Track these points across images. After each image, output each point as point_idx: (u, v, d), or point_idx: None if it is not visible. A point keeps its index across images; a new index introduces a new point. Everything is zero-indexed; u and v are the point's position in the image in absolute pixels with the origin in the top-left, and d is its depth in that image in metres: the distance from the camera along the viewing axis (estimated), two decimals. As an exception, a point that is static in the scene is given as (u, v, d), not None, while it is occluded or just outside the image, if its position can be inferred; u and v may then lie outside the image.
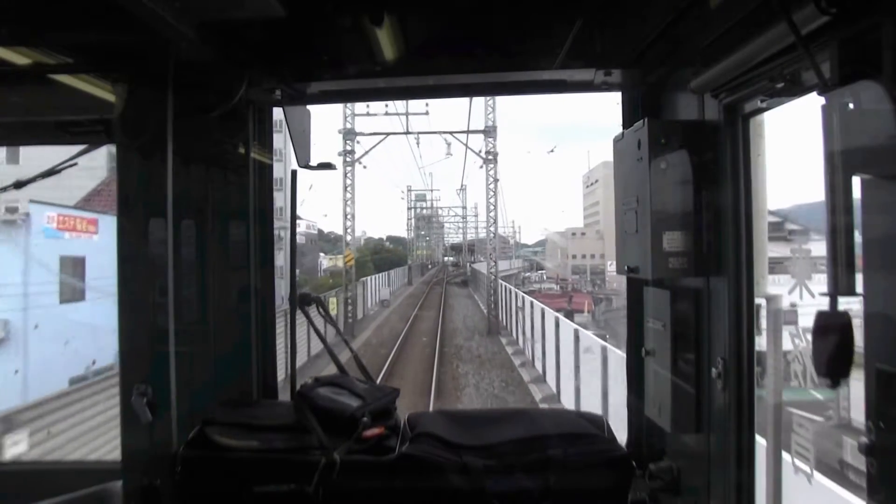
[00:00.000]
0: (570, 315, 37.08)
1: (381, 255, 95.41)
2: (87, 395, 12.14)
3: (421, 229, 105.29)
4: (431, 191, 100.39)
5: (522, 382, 21.70)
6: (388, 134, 34.25)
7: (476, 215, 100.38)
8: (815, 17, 1.77)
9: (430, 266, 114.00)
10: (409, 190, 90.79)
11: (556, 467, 2.75)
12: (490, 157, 35.44)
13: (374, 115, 33.69)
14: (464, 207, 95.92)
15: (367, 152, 34.66)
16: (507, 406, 17.52)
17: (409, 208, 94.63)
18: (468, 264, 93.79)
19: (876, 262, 1.75)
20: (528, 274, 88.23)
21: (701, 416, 2.66)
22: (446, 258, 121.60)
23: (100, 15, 2.32)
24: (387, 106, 31.76)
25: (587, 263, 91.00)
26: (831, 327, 1.73)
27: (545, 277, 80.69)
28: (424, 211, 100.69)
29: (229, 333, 3.43)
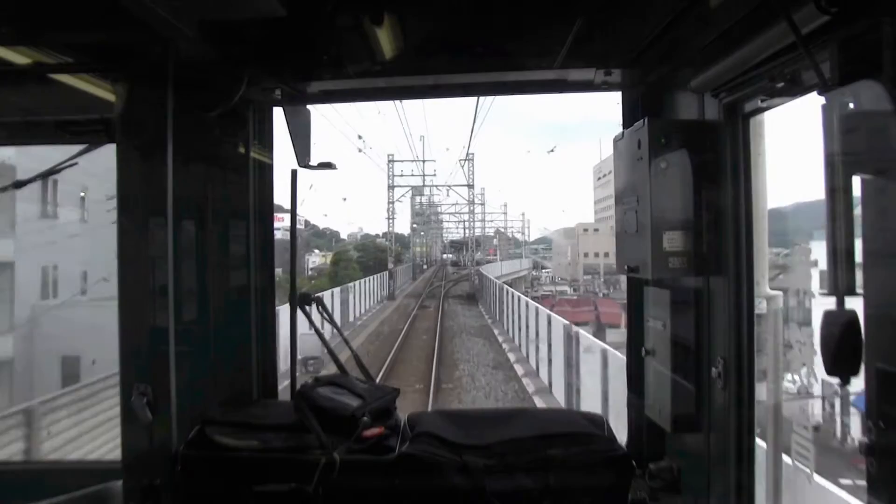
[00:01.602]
0: (600, 331, 29.83)
1: (374, 255, 74.21)
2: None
3: (414, 223, 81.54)
4: (423, 161, 62.93)
5: None
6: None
7: (483, 203, 78.01)
8: (815, 16, 1.77)
9: (425, 266, 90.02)
10: (391, 161, 60.96)
11: (556, 467, 2.75)
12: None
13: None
14: (470, 186, 66.99)
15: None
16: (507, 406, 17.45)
17: (390, 187, 62.78)
18: (475, 266, 67.11)
19: (876, 261, 1.75)
20: (535, 272, 79.13)
21: (701, 415, 2.66)
22: (445, 255, 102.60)
23: (100, 14, 2.32)
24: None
25: (601, 262, 76.91)
26: (839, 325, 1.73)
27: (559, 279, 73.83)
28: (419, 200, 75.32)
29: (229, 333, 3.43)
